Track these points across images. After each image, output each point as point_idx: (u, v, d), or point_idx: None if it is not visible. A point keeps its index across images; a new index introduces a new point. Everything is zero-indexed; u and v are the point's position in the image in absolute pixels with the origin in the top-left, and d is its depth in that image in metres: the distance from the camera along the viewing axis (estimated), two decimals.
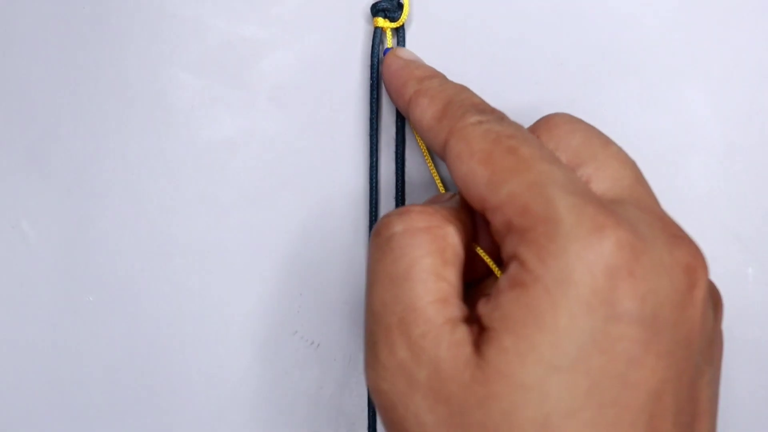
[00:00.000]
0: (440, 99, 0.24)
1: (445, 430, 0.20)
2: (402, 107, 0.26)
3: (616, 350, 0.19)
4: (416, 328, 0.21)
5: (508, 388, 0.19)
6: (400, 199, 0.29)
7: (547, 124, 0.23)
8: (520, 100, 0.29)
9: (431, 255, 0.21)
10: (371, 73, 0.28)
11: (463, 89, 0.25)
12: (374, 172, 0.29)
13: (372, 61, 0.28)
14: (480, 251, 0.23)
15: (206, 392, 0.30)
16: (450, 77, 0.29)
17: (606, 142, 0.23)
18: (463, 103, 0.24)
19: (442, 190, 0.28)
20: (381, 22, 0.28)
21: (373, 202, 0.29)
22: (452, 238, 0.22)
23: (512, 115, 0.29)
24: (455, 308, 0.21)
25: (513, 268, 0.20)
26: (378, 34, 0.28)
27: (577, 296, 0.19)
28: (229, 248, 0.30)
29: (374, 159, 0.29)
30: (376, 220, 0.29)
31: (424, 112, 0.24)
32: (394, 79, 0.26)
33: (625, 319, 0.19)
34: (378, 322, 0.21)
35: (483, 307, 0.20)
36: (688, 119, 0.29)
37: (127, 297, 0.31)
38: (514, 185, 0.20)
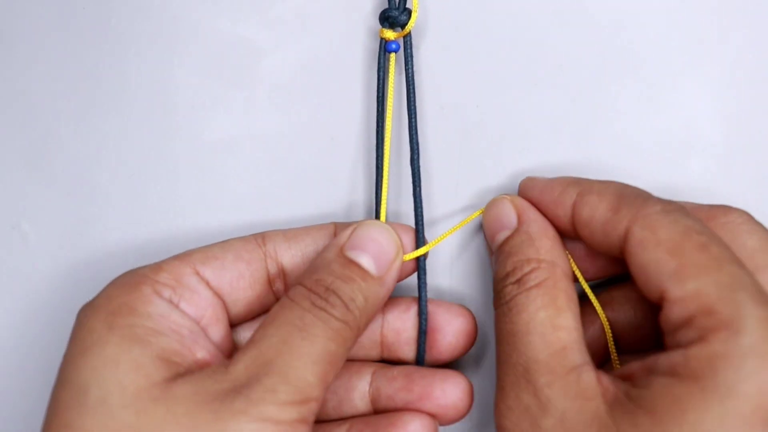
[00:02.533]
0: (610, 192, 0.24)
1: None
2: (563, 214, 0.25)
3: None
4: (540, 377, 0.22)
5: None
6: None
7: (725, 216, 0.23)
8: (521, 100, 0.29)
9: (545, 308, 0.23)
10: (378, 87, 0.28)
11: (625, 184, 0.25)
12: (379, 178, 0.28)
13: (378, 74, 0.28)
14: (586, 287, 0.26)
15: None
16: (450, 78, 0.29)
17: None
18: (640, 193, 0.24)
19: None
20: (387, 33, 0.28)
21: (377, 201, 0.29)
22: (562, 282, 0.24)
23: (512, 115, 0.29)
24: (576, 354, 0.22)
25: (678, 356, 0.20)
26: (383, 45, 0.28)
27: (736, 408, 0.19)
28: None
29: (380, 164, 0.28)
30: (377, 219, 0.29)
31: (596, 207, 0.24)
32: (546, 194, 0.26)
33: None
34: (506, 372, 0.23)
35: (635, 370, 0.22)
36: (688, 119, 0.29)
37: None
38: (702, 283, 0.20)
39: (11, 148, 0.31)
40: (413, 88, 0.28)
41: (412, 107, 0.27)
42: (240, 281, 0.25)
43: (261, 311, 0.27)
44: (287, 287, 0.26)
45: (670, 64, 0.28)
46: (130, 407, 0.21)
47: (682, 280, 0.21)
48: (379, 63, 0.28)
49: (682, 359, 0.20)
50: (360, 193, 0.30)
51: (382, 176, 0.28)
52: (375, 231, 0.24)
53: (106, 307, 0.23)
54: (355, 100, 0.29)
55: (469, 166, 0.29)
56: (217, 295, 0.25)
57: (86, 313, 0.23)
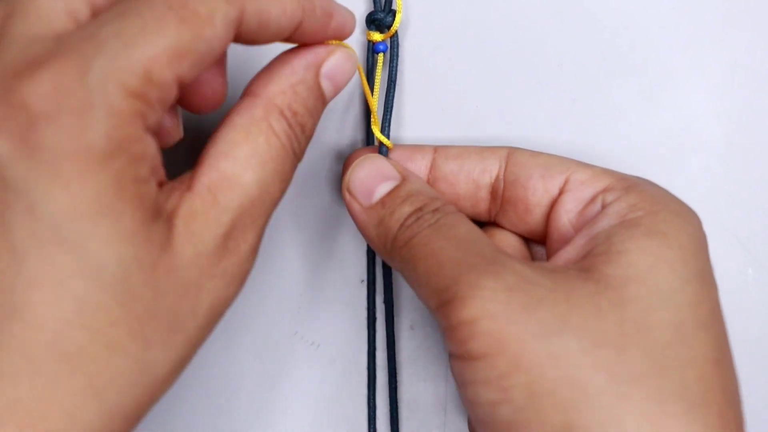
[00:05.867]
0: (463, 148, 0.27)
1: None
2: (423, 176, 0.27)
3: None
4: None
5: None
6: None
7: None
8: (521, 100, 0.29)
9: (466, 223, 0.23)
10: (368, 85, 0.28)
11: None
12: None
13: (367, 76, 0.28)
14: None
15: (206, 392, 0.30)
16: (450, 78, 0.29)
17: None
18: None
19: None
20: (373, 35, 0.28)
21: None
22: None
23: (513, 115, 0.29)
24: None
25: (613, 214, 0.23)
26: (370, 47, 0.28)
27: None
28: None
29: None
30: None
31: (458, 158, 0.26)
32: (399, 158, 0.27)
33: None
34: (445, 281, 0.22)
35: (569, 256, 0.23)
36: (688, 119, 0.29)
37: None
38: (596, 170, 0.25)
39: None
40: (394, 86, 0.28)
41: (390, 105, 0.28)
42: None
43: None
44: None
45: (670, 64, 0.28)
46: (149, 285, 0.19)
47: (587, 165, 0.24)
48: (366, 64, 0.28)
49: (622, 210, 0.22)
50: None
51: None
52: (346, 62, 0.24)
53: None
54: (354, 100, 0.29)
55: None
56: None
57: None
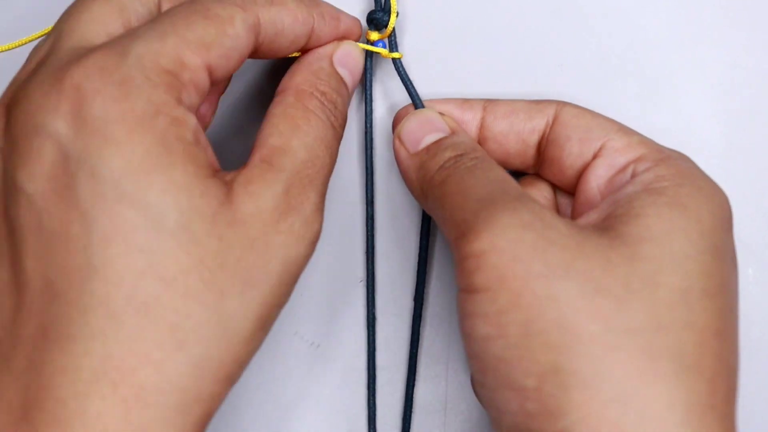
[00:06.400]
0: (515, 102, 0.27)
1: None
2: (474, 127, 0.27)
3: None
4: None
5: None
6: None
7: None
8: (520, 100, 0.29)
9: (497, 169, 0.24)
10: (365, 87, 0.29)
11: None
12: (369, 174, 0.29)
13: (365, 75, 0.28)
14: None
15: None
16: (450, 79, 0.29)
17: None
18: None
19: None
20: (372, 34, 0.28)
21: (370, 201, 0.29)
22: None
23: None
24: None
25: (639, 183, 0.23)
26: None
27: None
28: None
29: (369, 163, 0.29)
30: (373, 218, 0.29)
31: (511, 110, 0.27)
32: (450, 112, 0.27)
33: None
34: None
35: (594, 218, 0.23)
36: (688, 119, 0.29)
37: None
38: (637, 137, 0.25)
39: None
40: (413, 88, 0.28)
41: (369, 108, 0.29)
42: None
43: None
44: None
45: (670, 64, 0.28)
46: (213, 234, 0.20)
47: (626, 133, 0.24)
48: (365, 64, 0.28)
49: (649, 179, 0.22)
50: (358, 192, 0.30)
51: (372, 178, 0.28)
52: (355, 49, 0.27)
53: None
54: (353, 100, 0.29)
55: None
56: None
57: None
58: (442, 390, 0.30)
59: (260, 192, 0.21)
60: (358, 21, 0.27)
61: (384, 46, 0.28)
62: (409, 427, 0.29)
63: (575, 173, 0.25)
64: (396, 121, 0.28)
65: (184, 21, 0.21)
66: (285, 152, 0.22)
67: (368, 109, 0.29)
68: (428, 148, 0.25)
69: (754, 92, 0.28)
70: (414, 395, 0.30)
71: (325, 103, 0.24)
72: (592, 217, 0.23)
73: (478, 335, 0.20)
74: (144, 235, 0.19)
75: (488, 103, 0.26)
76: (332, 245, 0.30)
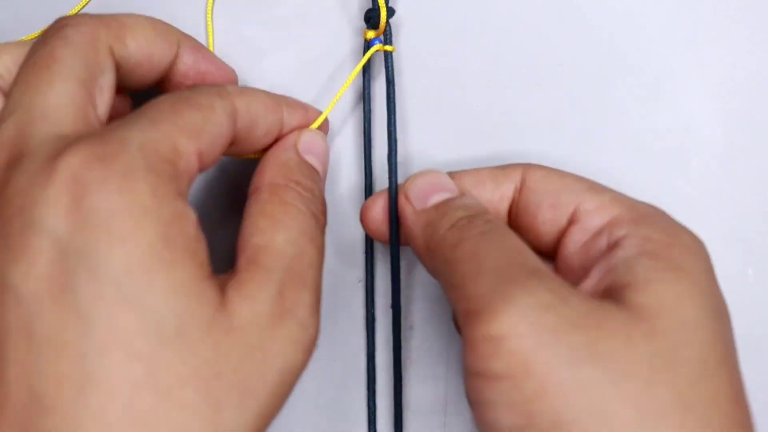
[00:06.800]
0: (480, 170, 0.27)
1: None
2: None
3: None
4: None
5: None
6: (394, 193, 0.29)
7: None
8: (520, 100, 0.29)
9: (511, 236, 0.23)
10: (363, 86, 0.28)
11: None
12: (368, 171, 0.29)
13: (363, 74, 0.28)
14: None
15: None
16: (450, 79, 0.29)
17: None
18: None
19: None
20: (369, 33, 0.28)
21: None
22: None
23: (512, 115, 0.29)
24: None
25: (631, 248, 0.22)
26: (366, 45, 0.28)
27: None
28: (229, 248, 0.30)
29: (368, 161, 0.29)
30: None
31: (479, 179, 0.26)
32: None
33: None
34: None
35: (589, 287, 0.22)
36: (688, 119, 0.29)
37: None
38: (609, 196, 0.24)
39: None
40: (393, 87, 0.28)
41: (392, 104, 0.28)
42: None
43: None
44: None
45: (670, 64, 0.28)
46: (209, 342, 0.19)
47: (597, 191, 0.24)
48: (364, 63, 0.28)
49: (638, 242, 0.22)
50: (358, 192, 0.30)
51: (371, 175, 0.28)
52: (316, 135, 0.26)
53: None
54: (353, 100, 0.29)
55: (468, 165, 0.29)
56: None
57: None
58: (442, 390, 0.30)
59: (254, 295, 0.20)
60: (320, 111, 0.27)
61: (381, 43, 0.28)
62: (401, 430, 0.29)
63: (552, 240, 0.24)
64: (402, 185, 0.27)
65: (170, 108, 0.21)
66: (270, 250, 0.21)
67: (366, 108, 0.29)
68: (437, 207, 0.24)
69: (755, 92, 0.28)
70: (408, 398, 0.30)
71: (303, 192, 0.24)
72: (588, 285, 0.22)
73: (504, 426, 0.20)
74: (142, 343, 0.18)
75: (453, 175, 0.26)
76: (333, 244, 0.30)
